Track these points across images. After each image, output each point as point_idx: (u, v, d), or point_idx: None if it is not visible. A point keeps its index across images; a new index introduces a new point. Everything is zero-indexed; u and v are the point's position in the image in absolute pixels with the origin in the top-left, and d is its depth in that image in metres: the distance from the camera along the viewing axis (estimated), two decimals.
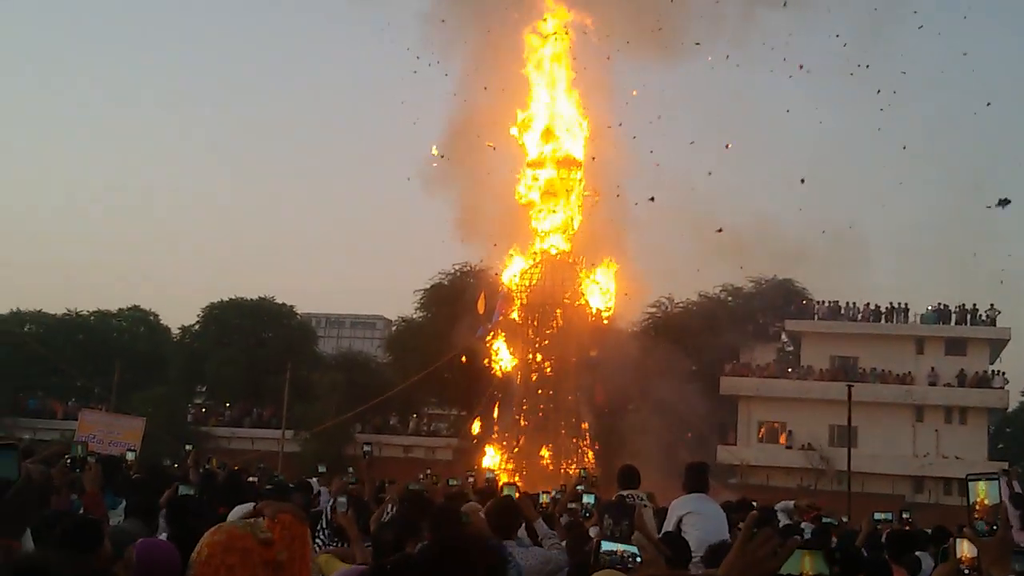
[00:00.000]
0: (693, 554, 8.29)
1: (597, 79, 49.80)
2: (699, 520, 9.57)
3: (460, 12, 48.74)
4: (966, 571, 4.73)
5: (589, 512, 9.91)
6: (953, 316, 58.25)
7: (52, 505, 7.87)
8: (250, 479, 15.18)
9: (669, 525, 9.81)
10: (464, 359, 49.96)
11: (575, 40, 50.45)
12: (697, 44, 47.01)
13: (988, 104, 74.09)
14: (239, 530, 4.25)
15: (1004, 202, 46.86)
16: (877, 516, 13.22)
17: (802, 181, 51.04)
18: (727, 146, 51.67)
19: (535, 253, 49.66)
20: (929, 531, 14.03)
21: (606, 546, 3.20)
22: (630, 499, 10.50)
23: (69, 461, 8.26)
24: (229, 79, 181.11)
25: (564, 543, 8.78)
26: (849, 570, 8.42)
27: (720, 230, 48.10)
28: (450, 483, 15.30)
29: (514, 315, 49.23)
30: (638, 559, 3.12)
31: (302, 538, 4.42)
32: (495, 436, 48.91)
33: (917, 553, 11.59)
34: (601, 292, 49.35)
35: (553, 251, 49.25)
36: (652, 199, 46.85)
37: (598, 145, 49.68)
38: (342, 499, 8.88)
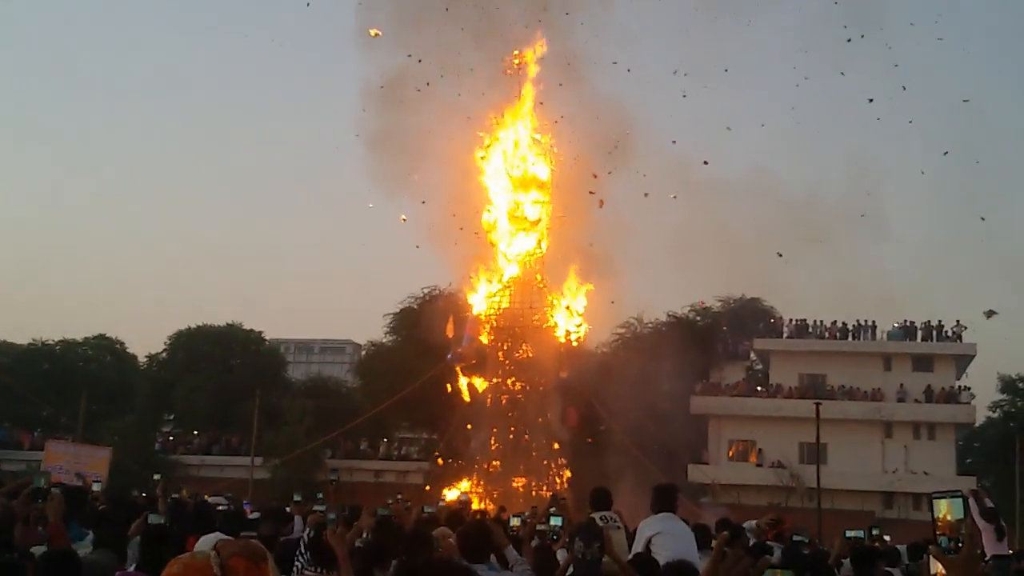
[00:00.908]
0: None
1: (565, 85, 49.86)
2: (668, 540, 9.58)
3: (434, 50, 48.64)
4: None
5: (557, 535, 9.91)
6: (919, 332, 58.77)
7: (17, 536, 7.80)
8: (220, 508, 15.05)
9: (639, 546, 9.82)
10: (445, 379, 49.84)
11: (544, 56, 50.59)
12: None
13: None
14: (197, 561, 4.26)
15: (990, 313, 48.51)
16: (848, 534, 13.27)
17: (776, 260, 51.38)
18: (705, 162, 51.71)
19: (502, 277, 49.66)
20: (897, 547, 14.14)
21: None
22: (602, 520, 10.51)
23: (31, 492, 8.19)
24: (193, 106, 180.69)
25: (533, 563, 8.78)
26: None
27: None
28: (425, 510, 15.21)
29: (483, 339, 49.19)
30: None
31: None
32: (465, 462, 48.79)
33: (888, 569, 11.68)
34: (570, 314, 49.38)
35: (521, 268, 49.32)
36: (601, 204, 47.00)
37: (566, 162, 49.90)
38: (332, 516, 8.83)
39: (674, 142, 47.93)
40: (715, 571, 2.92)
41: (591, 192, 46.59)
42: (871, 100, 54.87)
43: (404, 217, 52.73)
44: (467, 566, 6.25)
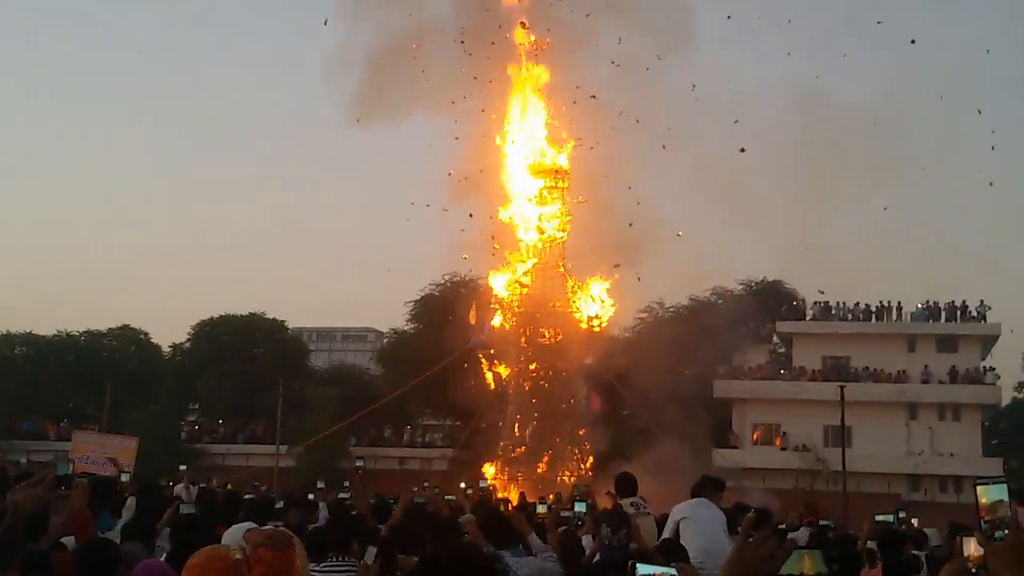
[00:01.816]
0: (692, 560, 8.32)
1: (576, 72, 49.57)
2: (696, 526, 9.58)
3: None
4: (973, 570, 4.82)
5: (581, 520, 9.93)
6: (943, 313, 58.42)
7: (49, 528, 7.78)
8: (247, 496, 15.17)
9: (667, 532, 9.83)
10: (468, 366, 49.86)
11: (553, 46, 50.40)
12: None
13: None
14: (217, 551, 4.34)
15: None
16: (878, 518, 13.28)
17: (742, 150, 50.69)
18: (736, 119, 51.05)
19: (523, 261, 49.67)
20: (924, 531, 14.12)
21: (643, 570, 3.18)
22: (632, 507, 10.52)
23: (54, 479, 8.13)
24: (211, 93, 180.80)
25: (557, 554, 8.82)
26: (848, 570, 8.47)
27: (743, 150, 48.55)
28: (446, 499, 15.35)
29: (505, 325, 49.24)
30: None
31: (286, 572, 4.44)
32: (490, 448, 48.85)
33: (915, 552, 11.65)
34: (592, 300, 49.38)
35: (541, 254, 49.33)
36: (631, 224, 46.87)
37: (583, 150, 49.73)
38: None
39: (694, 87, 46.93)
40: (740, 555, 2.89)
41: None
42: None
43: (446, 208, 52.35)
44: (491, 553, 6.28)
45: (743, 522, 3.09)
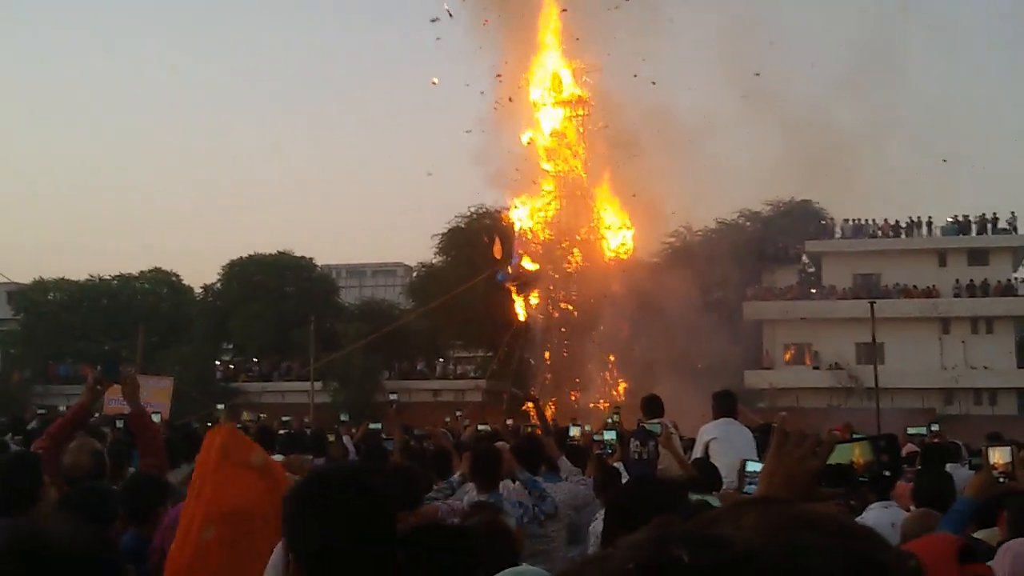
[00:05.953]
0: (724, 479, 8.35)
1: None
2: (725, 446, 9.59)
3: None
4: (1001, 478, 4.94)
5: (612, 448, 9.96)
6: (973, 227, 57.94)
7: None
8: (282, 432, 15.30)
9: (697, 452, 9.86)
10: (496, 297, 49.91)
11: None
12: None
13: None
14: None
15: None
16: (910, 431, 13.28)
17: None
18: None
19: (548, 192, 49.49)
20: (957, 443, 14.09)
21: (751, 467, 3.12)
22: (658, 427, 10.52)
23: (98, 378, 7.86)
24: (239, 29, 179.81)
25: (592, 478, 8.87)
26: (895, 467, 8.41)
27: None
28: (479, 428, 15.51)
29: (531, 258, 49.17)
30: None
31: None
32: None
33: (948, 465, 11.59)
34: (616, 228, 49.20)
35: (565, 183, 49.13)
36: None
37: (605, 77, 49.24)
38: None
39: None
40: (779, 456, 2.75)
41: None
42: None
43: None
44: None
45: (777, 422, 2.96)
